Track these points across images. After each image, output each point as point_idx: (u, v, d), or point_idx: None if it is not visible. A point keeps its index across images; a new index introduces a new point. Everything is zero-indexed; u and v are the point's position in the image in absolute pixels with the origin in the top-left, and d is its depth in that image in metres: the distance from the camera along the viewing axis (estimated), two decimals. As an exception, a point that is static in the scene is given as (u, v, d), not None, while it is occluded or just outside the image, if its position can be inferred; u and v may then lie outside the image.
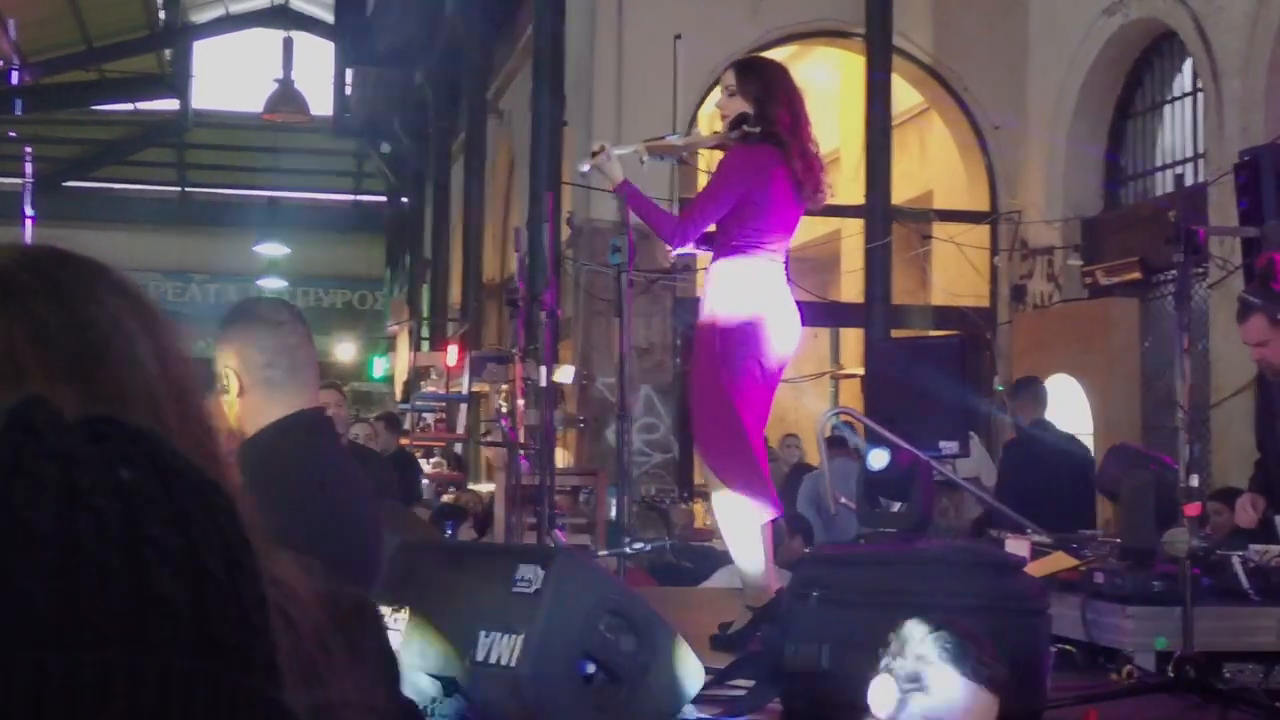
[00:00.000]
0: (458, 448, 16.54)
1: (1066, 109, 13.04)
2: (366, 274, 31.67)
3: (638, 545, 6.61)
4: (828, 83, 15.69)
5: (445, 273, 22.21)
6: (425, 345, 20.47)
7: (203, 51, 30.50)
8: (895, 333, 12.63)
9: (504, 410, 9.18)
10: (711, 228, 5.33)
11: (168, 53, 29.49)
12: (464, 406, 16.00)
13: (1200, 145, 11.72)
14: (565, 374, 11.46)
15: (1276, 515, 5.49)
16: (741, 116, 5.29)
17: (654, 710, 3.53)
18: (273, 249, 29.67)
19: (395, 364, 24.90)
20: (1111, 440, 9.12)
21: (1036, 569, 4.94)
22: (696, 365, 5.50)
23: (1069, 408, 12.52)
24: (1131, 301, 12.27)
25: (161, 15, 27.73)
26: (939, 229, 14.47)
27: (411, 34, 21.64)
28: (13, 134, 25.28)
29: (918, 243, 14.97)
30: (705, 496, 8.39)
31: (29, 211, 10.39)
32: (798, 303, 5.46)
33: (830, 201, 5.66)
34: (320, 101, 26.27)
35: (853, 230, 14.49)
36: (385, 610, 3.41)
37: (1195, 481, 4.71)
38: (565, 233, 13.35)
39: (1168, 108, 12.51)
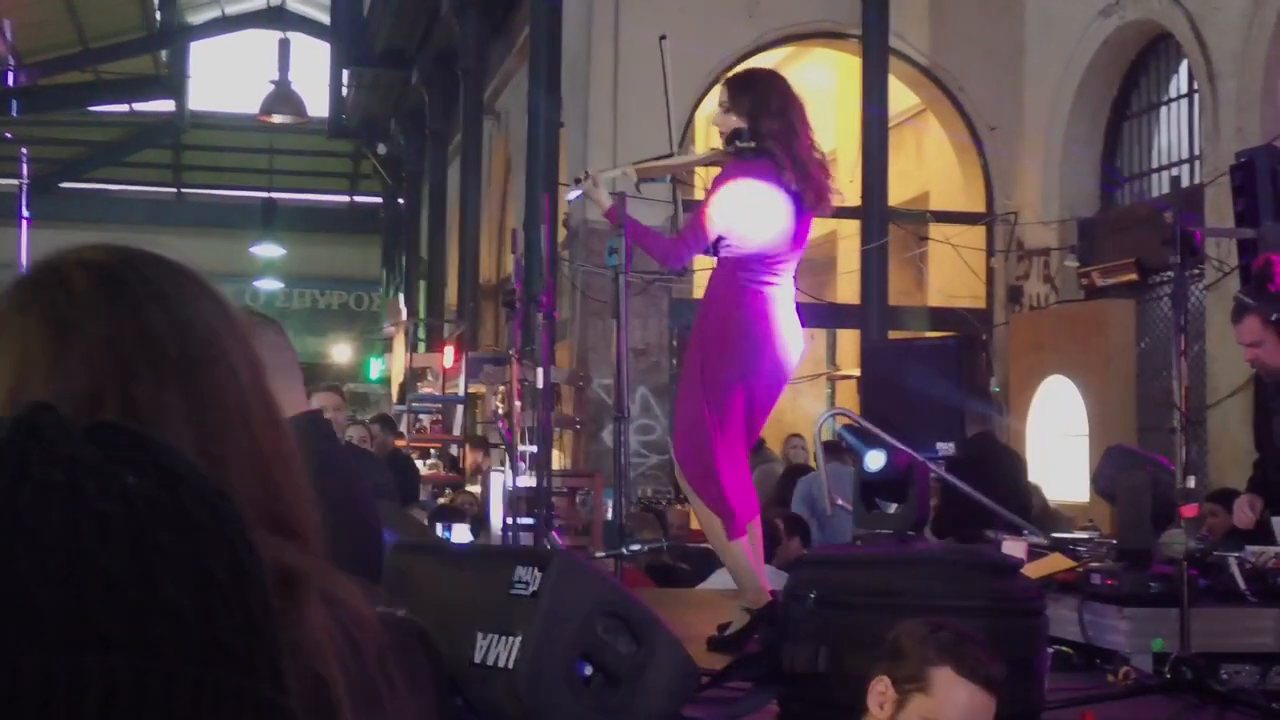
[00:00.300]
0: (452, 449, 16.54)
1: (1062, 110, 13.05)
2: (363, 275, 31.66)
3: (635, 547, 6.61)
4: (824, 84, 15.68)
5: (442, 274, 22.20)
6: (421, 346, 20.46)
7: (199, 52, 30.52)
8: (892, 334, 12.64)
9: (501, 411, 9.18)
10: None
11: (164, 54, 29.51)
12: (460, 408, 16.00)
13: (1196, 146, 11.73)
14: (557, 375, 11.45)
15: (1274, 516, 5.49)
16: (736, 132, 5.29)
17: (651, 712, 3.53)
18: (269, 250, 29.66)
19: (391, 365, 24.88)
20: (1107, 441, 9.12)
21: (1033, 570, 4.94)
22: (681, 378, 5.53)
23: (1065, 409, 12.54)
24: (1127, 303, 12.28)
25: (158, 16, 27.72)
26: (935, 230, 14.48)
27: (407, 35, 21.64)
28: (9, 135, 25.21)
29: (914, 244, 14.98)
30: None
31: (25, 213, 10.38)
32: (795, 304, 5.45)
33: (829, 203, 5.65)
34: (316, 103, 26.26)
35: (849, 231, 14.49)
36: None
37: (1192, 483, 4.72)
38: (562, 234, 13.36)
39: (1164, 109, 12.52)
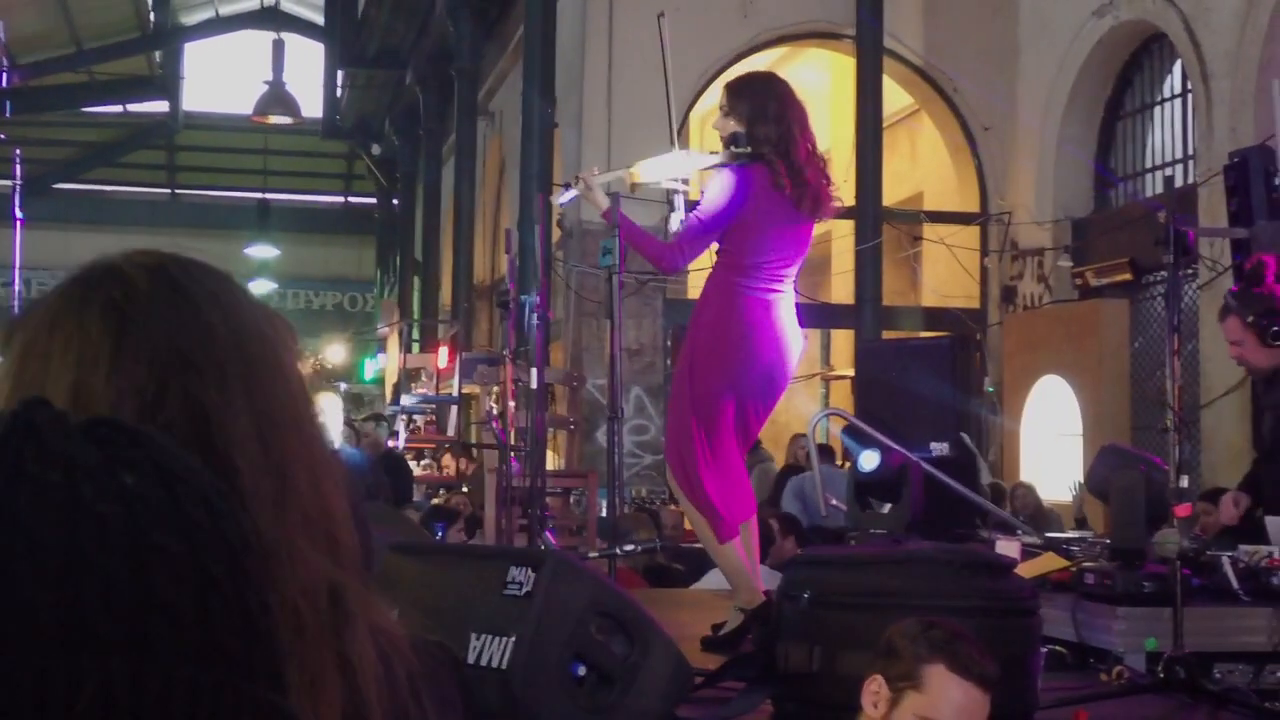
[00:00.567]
0: (444, 459, 16.53)
1: (1056, 110, 13.06)
2: (357, 276, 31.65)
3: (629, 547, 6.60)
4: (818, 84, 15.69)
5: (436, 274, 22.20)
6: (416, 347, 20.45)
7: (193, 53, 30.50)
8: (886, 334, 12.65)
9: (495, 412, 9.18)
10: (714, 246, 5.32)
11: (158, 55, 29.48)
12: (454, 408, 15.99)
13: (1190, 146, 11.75)
14: (551, 376, 11.45)
15: (1269, 515, 5.49)
16: (733, 137, 5.28)
17: (646, 712, 3.53)
18: (263, 251, 29.62)
19: (386, 366, 24.86)
20: (1101, 440, 9.14)
21: (1027, 570, 4.95)
22: (673, 383, 5.54)
23: (1059, 408, 12.55)
24: (1121, 302, 12.29)
25: (152, 17, 27.69)
26: (929, 230, 14.49)
27: (401, 36, 21.63)
28: (2, 136, 25.19)
29: (908, 244, 14.99)
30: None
31: (19, 214, 10.38)
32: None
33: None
34: (310, 103, 26.25)
35: (843, 232, 14.49)
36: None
37: (1185, 482, 4.72)
38: (556, 234, 13.36)
39: (1157, 109, 12.53)
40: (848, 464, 7.72)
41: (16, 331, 0.98)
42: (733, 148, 5.27)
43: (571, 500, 10.71)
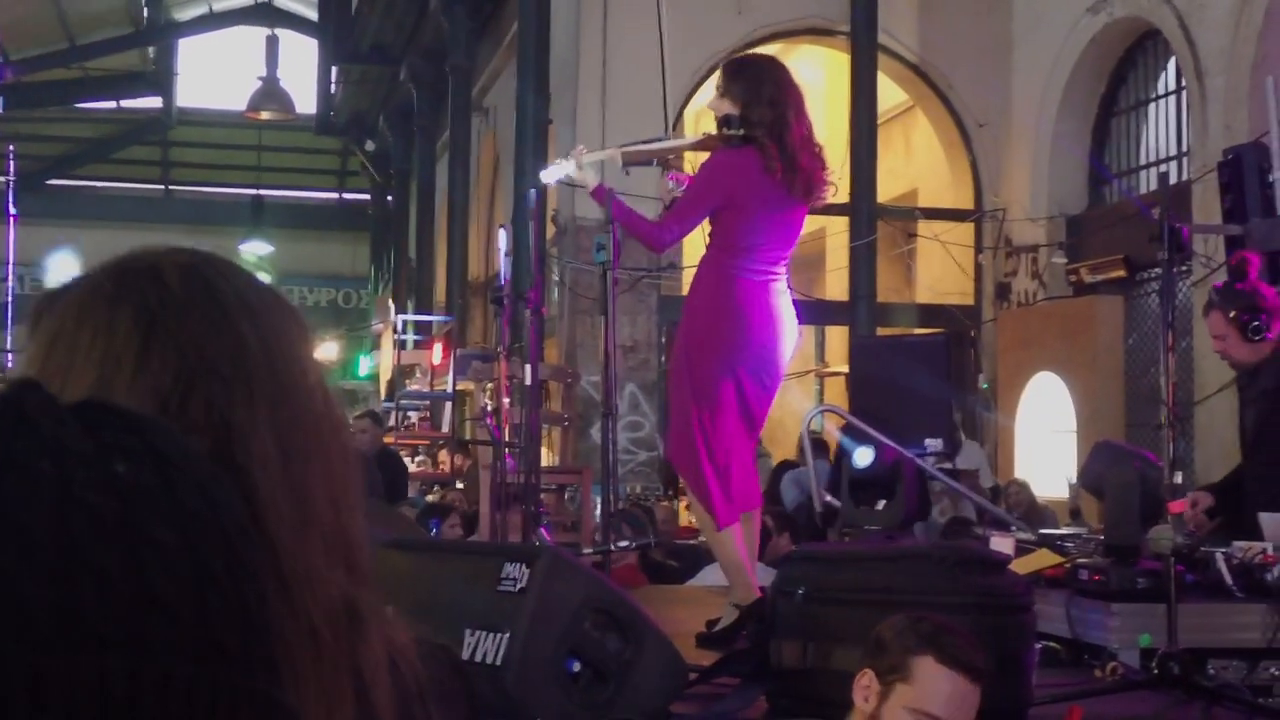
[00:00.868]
0: (439, 456, 16.53)
1: (1051, 107, 13.07)
2: (351, 272, 31.62)
3: (623, 543, 6.61)
4: (812, 81, 15.64)
5: (430, 271, 22.18)
6: (410, 343, 20.44)
7: (186, 49, 30.46)
8: (880, 330, 12.65)
9: (490, 408, 9.17)
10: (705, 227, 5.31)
11: (151, 50, 29.43)
12: (448, 405, 15.99)
13: (1184, 143, 11.76)
14: (545, 372, 11.45)
15: (1258, 511, 5.49)
16: (726, 118, 5.27)
17: (640, 708, 3.53)
18: (257, 247, 29.57)
19: (380, 362, 24.85)
20: (1095, 437, 9.14)
21: (1021, 566, 4.95)
22: (670, 371, 5.53)
23: (1053, 405, 12.56)
24: (1115, 299, 12.30)
25: (145, 13, 27.65)
26: (924, 227, 14.49)
27: (395, 31, 21.61)
28: (-5, 132, 25.22)
29: (902, 240, 14.99)
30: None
31: (12, 210, 10.37)
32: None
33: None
34: (304, 99, 26.22)
35: (838, 228, 14.51)
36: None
37: (1179, 478, 4.72)
38: (550, 231, 13.35)
39: (1152, 106, 12.54)
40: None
41: (44, 317, 0.97)
42: (725, 129, 5.26)
43: (566, 496, 10.71)
